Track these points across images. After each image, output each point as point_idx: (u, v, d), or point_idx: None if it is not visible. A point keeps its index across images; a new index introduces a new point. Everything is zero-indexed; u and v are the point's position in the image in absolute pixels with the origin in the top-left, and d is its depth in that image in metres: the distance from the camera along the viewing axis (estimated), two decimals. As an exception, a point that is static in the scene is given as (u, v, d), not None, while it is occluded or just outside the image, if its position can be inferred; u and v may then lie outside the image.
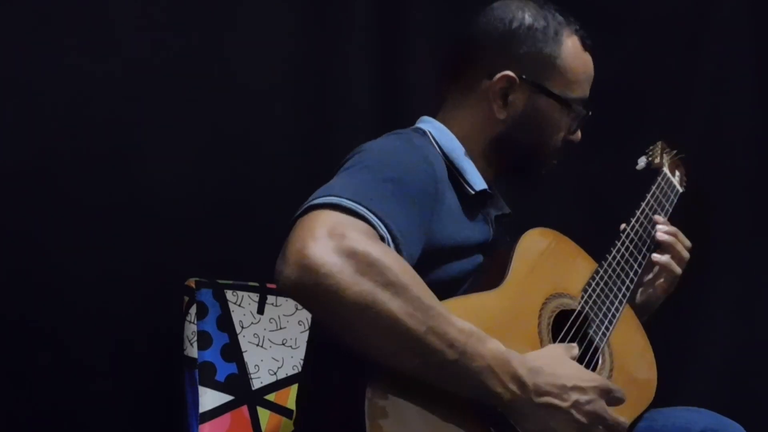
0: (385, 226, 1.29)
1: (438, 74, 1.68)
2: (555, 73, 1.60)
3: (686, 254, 1.74)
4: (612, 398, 1.38)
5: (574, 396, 1.33)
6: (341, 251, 1.20)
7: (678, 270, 1.73)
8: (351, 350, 1.24)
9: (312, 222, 1.24)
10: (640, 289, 1.73)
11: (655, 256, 1.71)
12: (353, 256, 1.21)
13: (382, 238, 1.28)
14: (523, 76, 1.58)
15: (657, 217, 1.74)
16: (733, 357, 2.50)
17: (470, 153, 1.59)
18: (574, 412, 1.33)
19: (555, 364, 1.35)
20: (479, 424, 1.29)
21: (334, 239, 1.21)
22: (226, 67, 2.10)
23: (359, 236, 1.23)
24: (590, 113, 1.65)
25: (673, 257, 1.72)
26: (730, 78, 2.56)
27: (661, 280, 1.73)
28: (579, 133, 1.67)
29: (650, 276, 1.73)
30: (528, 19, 1.60)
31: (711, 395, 2.40)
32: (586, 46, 1.64)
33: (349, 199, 1.27)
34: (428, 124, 1.62)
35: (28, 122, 1.93)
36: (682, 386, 2.39)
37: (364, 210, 1.27)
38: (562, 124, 1.63)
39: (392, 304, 1.22)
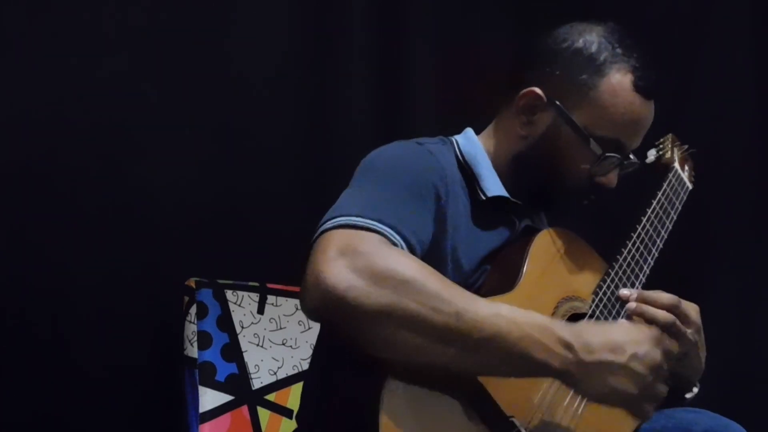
0: (396, 231, 1.28)
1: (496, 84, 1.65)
2: (585, 104, 1.51)
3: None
4: (666, 349, 1.33)
5: (631, 349, 1.28)
6: (354, 267, 1.21)
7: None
8: (384, 359, 1.23)
9: (324, 245, 1.24)
10: None
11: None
12: (366, 269, 1.21)
13: (395, 245, 1.27)
14: (553, 99, 1.52)
15: (623, 292, 1.52)
16: (733, 357, 2.49)
17: (496, 163, 1.56)
18: (634, 365, 1.28)
19: (600, 325, 1.33)
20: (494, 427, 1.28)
21: (346, 257, 1.21)
22: (226, 68, 2.10)
23: (370, 248, 1.23)
24: (623, 160, 1.53)
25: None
26: (730, 78, 2.56)
27: None
28: (613, 178, 1.55)
29: None
30: (580, 43, 1.52)
31: (711, 395, 2.39)
32: (638, 88, 1.51)
33: (357, 216, 1.27)
34: (461, 135, 1.60)
35: (28, 123, 1.92)
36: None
37: (373, 222, 1.27)
38: (578, 159, 1.52)
39: (413, 303, 1.21)
